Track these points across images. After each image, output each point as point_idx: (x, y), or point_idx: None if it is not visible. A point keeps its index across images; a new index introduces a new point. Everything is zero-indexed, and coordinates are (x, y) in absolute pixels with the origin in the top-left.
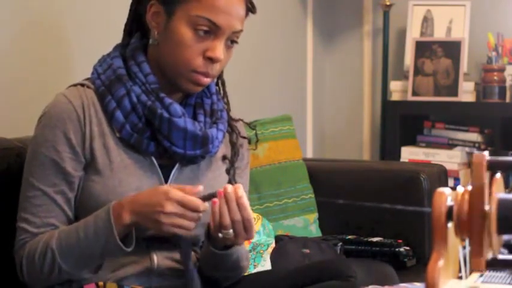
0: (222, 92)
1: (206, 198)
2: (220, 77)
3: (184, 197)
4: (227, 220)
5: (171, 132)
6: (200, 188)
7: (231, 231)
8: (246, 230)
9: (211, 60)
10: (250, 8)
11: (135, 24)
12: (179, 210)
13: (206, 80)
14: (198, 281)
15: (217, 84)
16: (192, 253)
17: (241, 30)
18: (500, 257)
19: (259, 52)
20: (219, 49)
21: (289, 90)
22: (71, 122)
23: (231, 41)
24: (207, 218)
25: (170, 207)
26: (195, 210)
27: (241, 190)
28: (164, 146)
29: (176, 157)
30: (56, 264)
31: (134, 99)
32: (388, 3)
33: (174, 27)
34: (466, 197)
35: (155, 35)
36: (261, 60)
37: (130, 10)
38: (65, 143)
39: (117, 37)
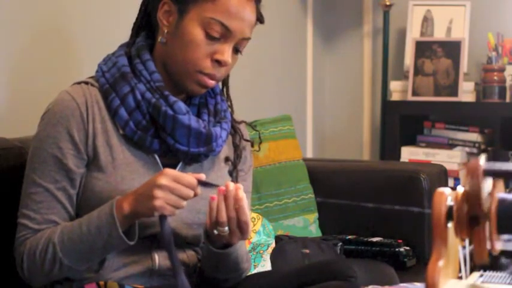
0: (225, 95)
1: (202, 183)
2: (225, 81)
3: (179, 173)
4: (223, 217)
5: (175, 129)
6: (203, 176)
7: (226, 228)
8: (242, 230)
9: (219, 63)
10: (259, 18)
11: (144, 23)
12: (173, 185)
13: (211, 83)
14: (184, 278)
15: (221, 87)
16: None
17: (249, 38)
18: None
19: (259, 52)
20: (227, 53)
21: (289, 90)
22: (74, 119)
23: (237, 50)
24: (205, 218)
25: (164, 181)
26: (189, 186)
27: (241, 191)
28: (168, 144)
29: (179, 155)
30: (57, 258)
31: (138, 96)
32: (388, 3)
33: (186, 26)
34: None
35: (164, 34)
36: (261, 60)
37: (140, 9)
38: (67, 139)
39: (123, 40)
